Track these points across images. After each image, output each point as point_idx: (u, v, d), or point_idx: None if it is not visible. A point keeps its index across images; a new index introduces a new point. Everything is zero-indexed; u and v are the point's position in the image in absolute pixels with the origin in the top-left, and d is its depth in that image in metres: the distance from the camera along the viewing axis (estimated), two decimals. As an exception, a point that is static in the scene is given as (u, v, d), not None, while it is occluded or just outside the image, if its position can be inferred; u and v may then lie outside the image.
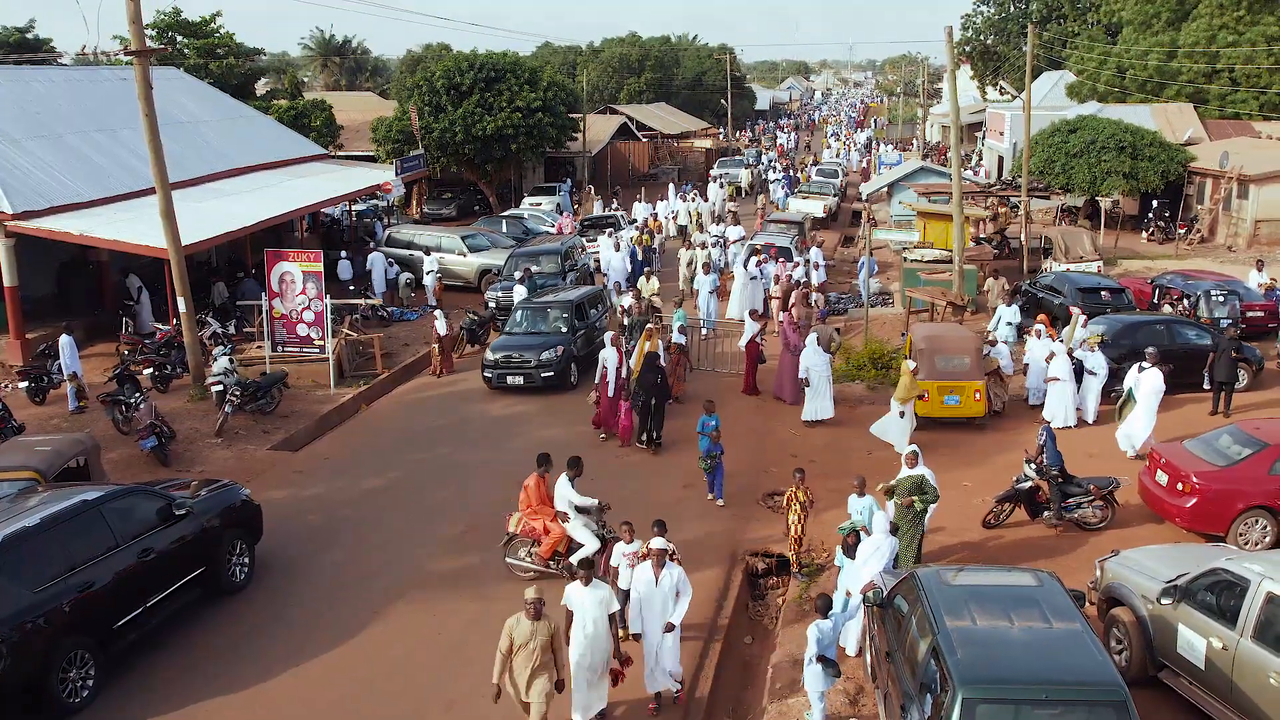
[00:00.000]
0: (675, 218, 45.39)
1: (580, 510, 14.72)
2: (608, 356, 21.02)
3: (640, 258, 35.64)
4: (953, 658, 9.37)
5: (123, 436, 20.30)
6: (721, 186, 52.64)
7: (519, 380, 23.47)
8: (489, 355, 23.89)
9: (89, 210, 26.34)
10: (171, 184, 22.57)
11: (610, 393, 20.92)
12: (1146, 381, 18.89)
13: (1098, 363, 20.86)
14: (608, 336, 21.69)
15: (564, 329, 24.49)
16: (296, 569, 15.74)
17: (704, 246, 34.39)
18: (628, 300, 27.00)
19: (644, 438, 20.31)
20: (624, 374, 21.03)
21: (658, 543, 12.10)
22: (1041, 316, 23.63)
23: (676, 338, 23.54)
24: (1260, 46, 48.41)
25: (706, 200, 48.68)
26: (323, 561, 15.97)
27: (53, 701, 11.69)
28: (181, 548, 13.91)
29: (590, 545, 14.37)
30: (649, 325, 22.30)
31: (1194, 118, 48.22)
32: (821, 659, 11.13)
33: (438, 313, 26.55)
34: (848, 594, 13.09)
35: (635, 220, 43.23)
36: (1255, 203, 38.46)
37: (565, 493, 14.67)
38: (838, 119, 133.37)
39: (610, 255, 33.80)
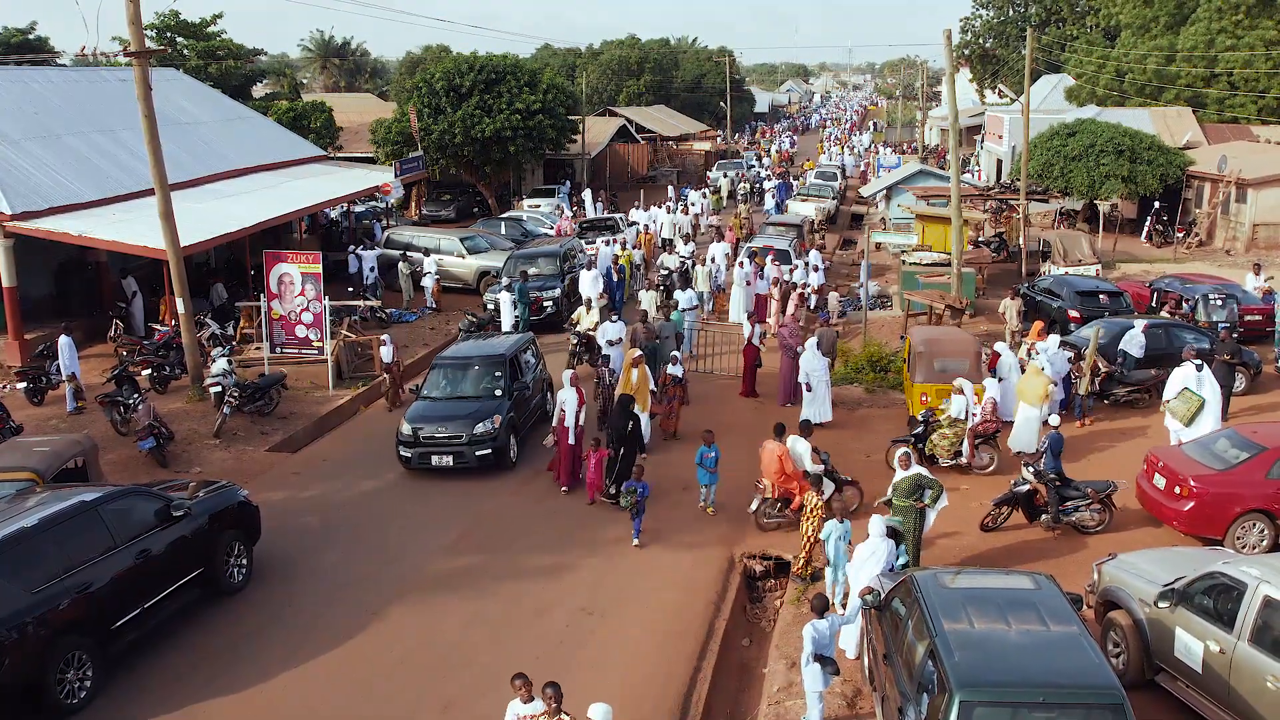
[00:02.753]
0: (660, 229, 42.07)
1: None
2: (566, 398, 18.57)
3: (615, 279, 31.70)
4: (950, 660, 9.39)
5: (121, 437, 20.31)
6: (705, 195, 51.57)
7: (446, 461, 18.90)
8: (404, 428, 19.13)
9: (88, 211, 26.33)
10: (170, 185, 22.57)
11: (571, 439, 18.49)
12: (1210, 379, 18.93)
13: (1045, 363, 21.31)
14: (567, 375, 19.16)
15: (498, 391, 19.87)
16: (295, 570, 15.75)
17: (673, 271, 31.60)
18: (581, 324, 24.12)
19: (610, 491, 17.75)
20: (583, 418, 18.84)
21: (598, 712, 9.38)
22: (1038, 324, 23.45)
23: (672, 370, 21.47)
24: (1259, 51, 48.49)
25: (687, 212, 44.87)
26: (321, 562, 15.97)
27: (51, 702, 11.68)
28: (179, 549, 13.91)
29: (829, 488, 16.37)
30: (638, 354, 20.66)
31: (1192, 121, 48.29)
32: (819, 658, 11.14)
33: (385, 337, 24.23)
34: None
35: (636, 224, 43.08)
36: (1253, 206, 38.50)
37: (803, 450, 16.78)
38: (837, 122, 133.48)
39: (584, 277, 30.33)
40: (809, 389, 21.25)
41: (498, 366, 20.29)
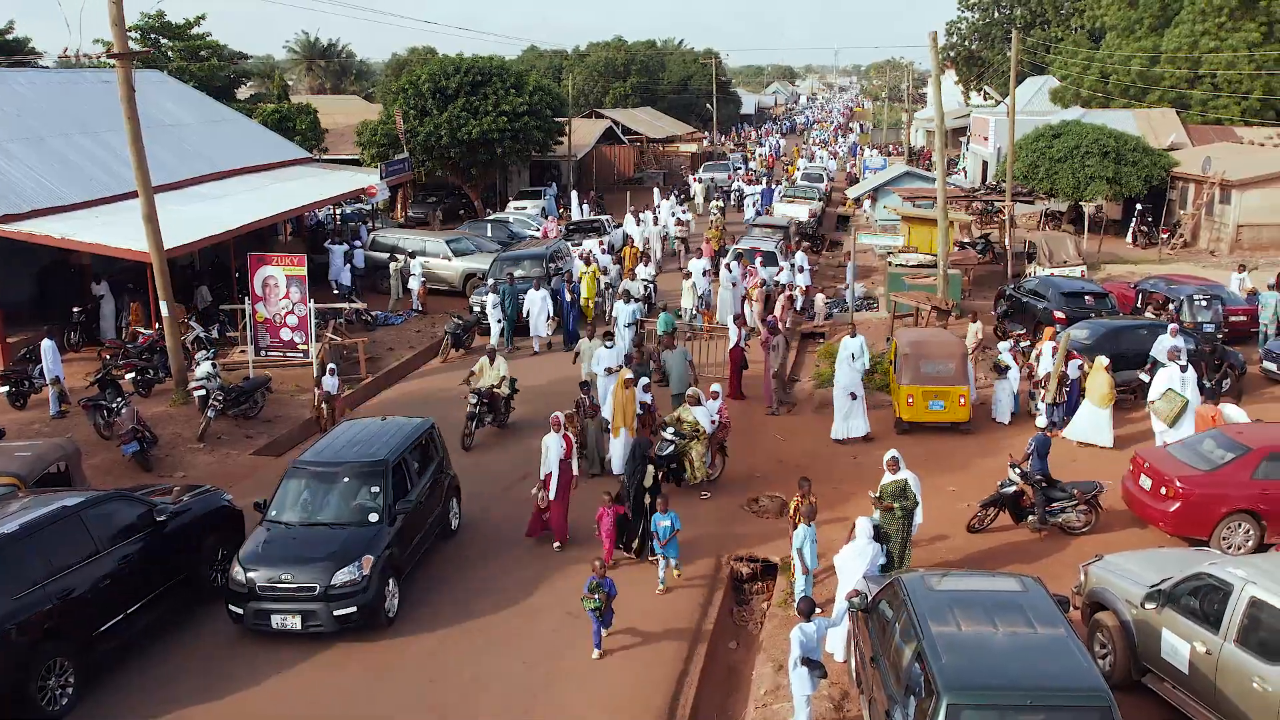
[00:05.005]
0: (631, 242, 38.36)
1: None
2: (549, 444, 16.30)
3: (569, 299, 28.74)
4: (937, 663, 9.38)
5: (104, 441, 20.16)
6: (680, 202, 49.94)
7: (292, 623, 13.47)
8: (237, 572, 13.67)
9: (71, 213, 26.15)
10: (154, 187, 22.45)
11: (552, 491, 16.25)
12: (1194, 381, 19.07)
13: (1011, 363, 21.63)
14: (554, 416, 16.78)
15: (373, 515, 14.39)
16: (279, 575, 15.61)
17: (635, 299, 27.61)
18: (484, 379, 21.33)
19: (627, 542, 15.82)
20: (573, 467, 16.64)
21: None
22: (1049, 330, 23.33)
23: (640, 396, 19.35)
24: (1241, 53, 48.74)
25: (657, 222, 41.75)
26: (306, 567, 15.82)
27: (32, 709, 11.57)
28: (163, 554, 13.82)
29: None
30: (629, 375, 19.20)
31: (1177, 123, 48.52)
32: (806, 661, 11.12)
33: (330, 366, 22.40)
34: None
35: (621, 226, 42.85)
36: (1237, 208, 38.72)
37: (1235, 415, 17.98)
38: (822, 124, 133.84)
39: (532, 297, 28.02)
40: (853, 396, 20.59)
41: (374, 478, 14.76)
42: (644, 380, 19.93)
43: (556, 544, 16.40)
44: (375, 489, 14.64)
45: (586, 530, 16.28)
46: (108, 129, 30.38)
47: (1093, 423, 19.97)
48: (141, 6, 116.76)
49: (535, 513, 16.52)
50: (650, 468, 16.10)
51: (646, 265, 33.67)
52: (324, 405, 21.72)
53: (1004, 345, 22.31)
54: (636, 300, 27.49)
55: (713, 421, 18.32)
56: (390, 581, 14.15)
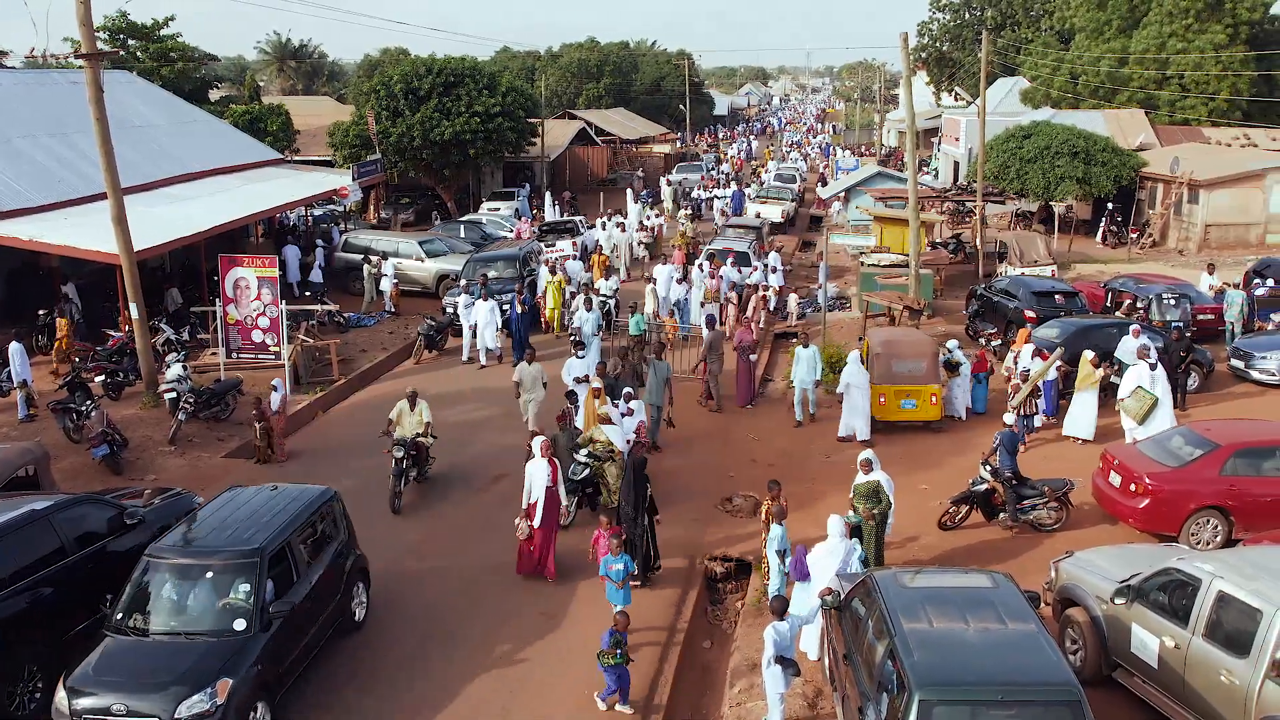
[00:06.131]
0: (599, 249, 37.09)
1: None
2: (534, 471, 15.25)
3: (519, 313, 26.79)
4: (909, 659, 9.43)
5: (74, 445, 19.97)
6: (646, 206, 48.31)
7: None
8: (60, 700, 11.00)
9: (39, 215, 25.92)
10: (124, 189, 22.28)
11: (537, 520, 15.15)
12: (1163, 378, 19.26)
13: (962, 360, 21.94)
14: (537, 444, 15.51)
15: (240, 620, 11.58)
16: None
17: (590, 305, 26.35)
18: (402, 426, 18.48)
19: (635, 571, 14.59)
20: (560, 492, 15.63)
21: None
22: (1024, 332, 23.43)
23: (622, 404, 18.70)
24: (1208, 54, 49.30)
25: (623, 229, 39.71)
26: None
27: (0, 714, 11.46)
28: (133, 557, 13.64)
29: None
30: (596, 385, 18.84)
31: (1145, 123, 48.99)
32: (780, 659, 11.16)
33: (275, 383, 21.04)
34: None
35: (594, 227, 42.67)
36: (1205, 207, 39.16)
37: None
38: (796, 126, 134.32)
39: (479, 308, 26.96)
40: (843, 400, 20.55)
41: (245, 573, 11.92)
42: (629, 390, 19.17)
43: (550, 579, 15.35)
44: (246, 585, 11.78)
45: (569, 565, 15.63)
46: (76, 130, 30.09)
47: (1086, 415, 20.13)
48: (109, 8, 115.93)
49: (522, 547, 15.39)
50: (647, 490, 15.28)
51: (610, 278, 32.11)
52: (259, 424, 20.13)
53: (952, 343, 22.38)
54: (595, 310, 26.29)
55: (628, 441, 17.38)
56: (259, 705, 11.29)
